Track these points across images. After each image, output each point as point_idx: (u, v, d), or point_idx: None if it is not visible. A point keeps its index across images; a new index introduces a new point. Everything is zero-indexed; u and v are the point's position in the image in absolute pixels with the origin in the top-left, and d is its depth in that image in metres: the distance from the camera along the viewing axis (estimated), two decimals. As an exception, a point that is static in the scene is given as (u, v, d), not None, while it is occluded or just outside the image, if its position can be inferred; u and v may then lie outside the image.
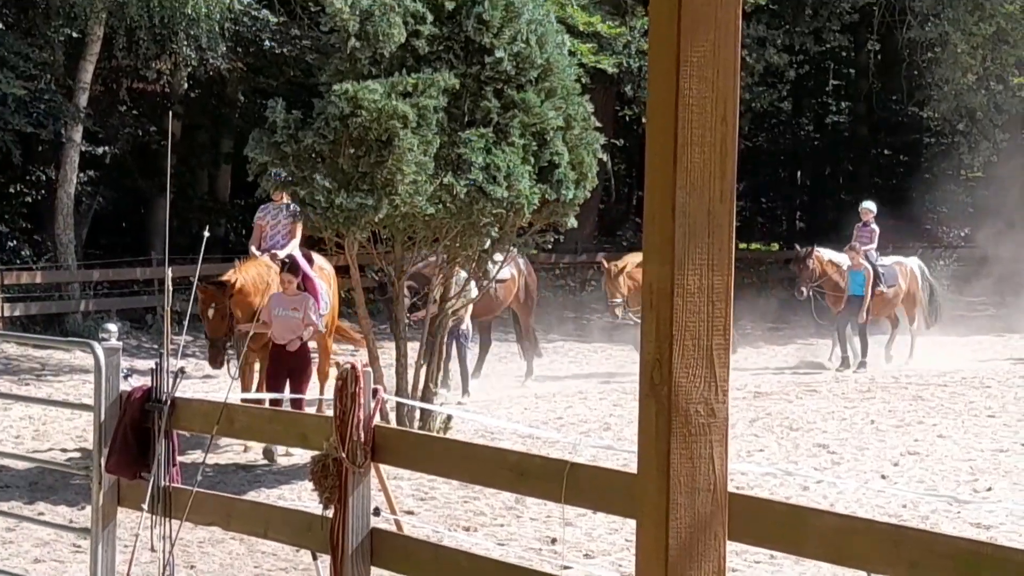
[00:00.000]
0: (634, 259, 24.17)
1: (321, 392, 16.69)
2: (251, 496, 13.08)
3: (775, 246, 43.50)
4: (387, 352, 17.36)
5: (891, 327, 25.52)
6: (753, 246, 41.49)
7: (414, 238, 15.53)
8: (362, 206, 14.03)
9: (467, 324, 19.92)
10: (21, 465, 14.53)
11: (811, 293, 24.70)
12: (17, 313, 26.58)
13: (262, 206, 17.37)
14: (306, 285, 15.82)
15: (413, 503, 13.25)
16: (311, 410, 15.28)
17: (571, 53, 17.22)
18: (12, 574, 10.47)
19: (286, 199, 16.53)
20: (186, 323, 14.05)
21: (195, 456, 13.80)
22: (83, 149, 28.74)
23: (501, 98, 14.67)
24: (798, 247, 26.18)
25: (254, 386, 16.16)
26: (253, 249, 16.83)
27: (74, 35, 28.45)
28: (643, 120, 32.48)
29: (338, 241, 15.22)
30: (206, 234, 9.95)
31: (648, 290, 3.18)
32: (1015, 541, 11.48)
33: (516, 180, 14.35)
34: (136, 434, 8.16)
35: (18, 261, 28.28)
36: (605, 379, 22.99)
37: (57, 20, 27.62)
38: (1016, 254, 32.29)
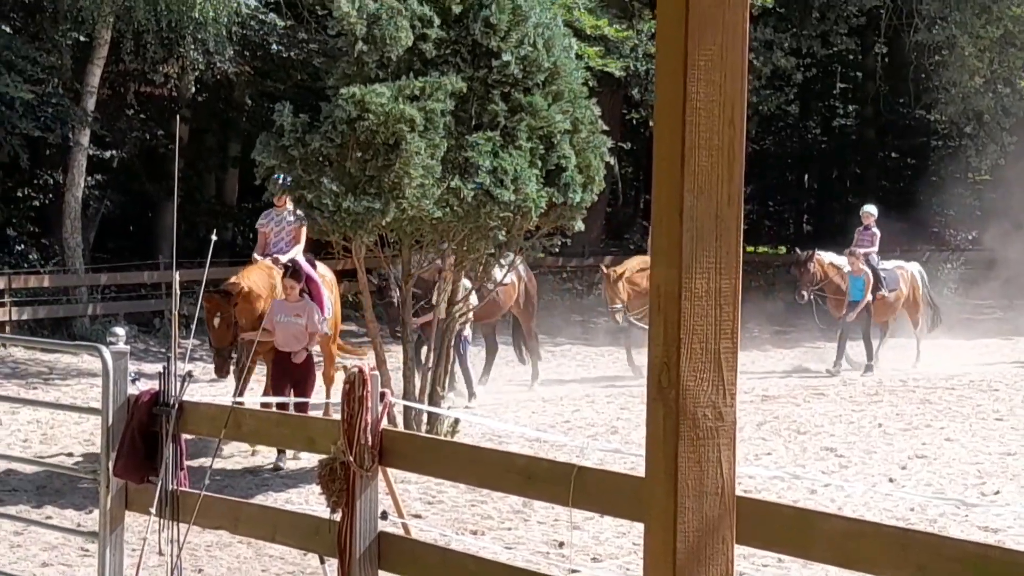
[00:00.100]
0: (633, 264, 24.18)
1: (327, 396, 16.68)
2: (259, 500, 13.09)
3: (782, 249, 43.47)
4: (394, 356, 17.37)
5: (882, 333, 25.46)
6: (760, 249, 41.46)
7: (421, 242, 15.54)
8: (369, 210, 14.04)
9: (467, 329, 19.92)
10: (29, 469, 14.54)
11: (812, 297, 24.68)
12: (25, 317, 26.59)
13: (264, 212, 17.36)
14: (310, 289, 15.81)
15: (421, 507, 13.25)
16: (317, 414, 15.27)
17: (578, 56, 17.25)
18: (20, 578, 10.48)
19: (289, 205, 16.54)
20: (194, 327, 14.09)
21: (202, 460, 13.82)
22: (91, 153, 28.77)
23: (508, 101, 14.68)
24: (798, 251, 26.18)
25: (250, 389, 16.17)
26: (256, 257, 16.81)
27: (81, 39, 28.49)
28: (650, 123, 32.42)
29: (345, 245, 15.22)
30: (214, 238, 9.96)
31: (656, 293, 3.18)
32: (1023, 545, 11.47)
33: (523, 183, 14.36)
34: (144, 438, 8.17)
35: (26, 265, 28.30)
36: (610, 383, 22.97)
37: (64, 24, 27.65)
38: (1024, 257, 32.30)
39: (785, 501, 11.68)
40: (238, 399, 14.13)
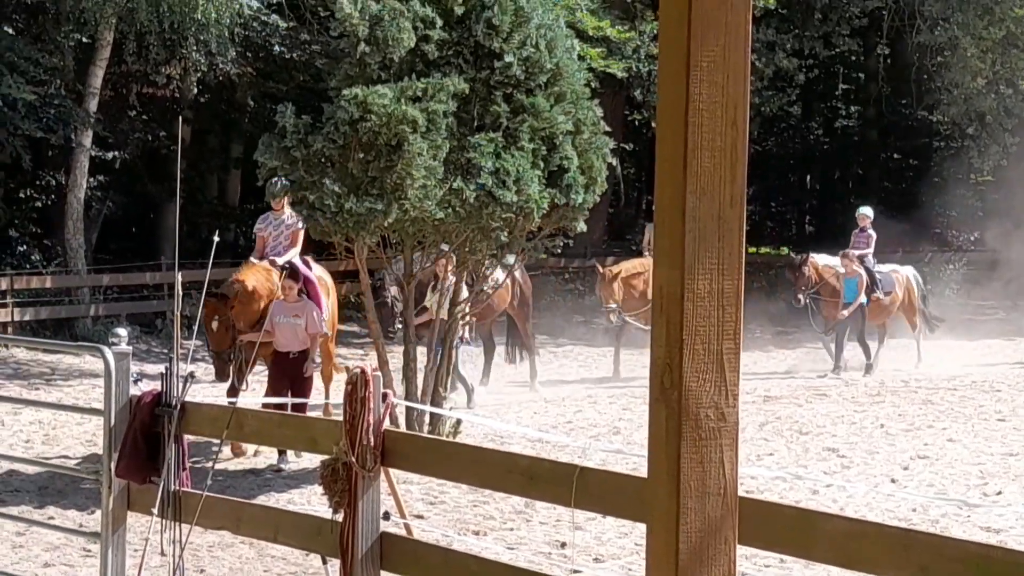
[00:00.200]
0: (628, 265, 24.16)
1: (326, 396, 16.67)
2: (261, 500, 13.10)
3: (785, 250, 43.42)
4: (396, 356, 17.37)
5: (880, 335, 25.45)
6: (763, 250, 41.42)
7: (423, 243, 15.55)
8: (372, 211, 14.04)
9: (463, 331, 19.91)
10: (31, 469, 14.55)
11: (808, 301, 24.67)
12: (27, 317, 26.61)
13: (261, 216, 17.33)
14: (308, 289, 15.80)
15: (423, 507, 13.25)
16: (316, 414, 15.27)
17: (580, 57, 17.25)
18: (22, 578, 10.49)
19: (287, 209, 16.54)
20: (196, 328, 14.11)
21: (204, 460, 13.82)
22: (93, 154, 28.78)
23: (510, 103, 14.68)
24: (792, 255, 26.16)
25: (252, 390, 16.17)
26: (254, 260, 16.79)
27: (84, 40, 28.51)
28: (653, 124, 32.43)
29: (348, 246, 15.22)
30: (216, 239, 9.97)
31: (658, 294, 3.18)
32: (1025, 545, 11.46)
33: (525, 184, 14.36)
34: (146, 438, 8.17)
35: (28, 266, 28.32)
36: (612, 383, 22.96)
37: (67, 25, 27.66)
38: (1026, 257, 32.30)
39: (787, 501, 11.68)
40: (232, 400, 14.13)
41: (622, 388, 22.08)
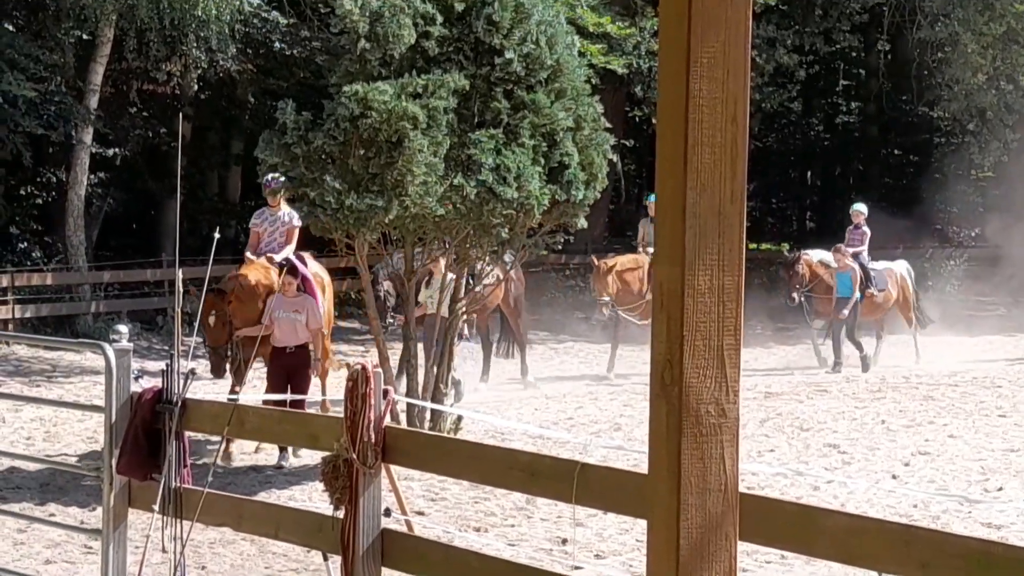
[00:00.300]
0: (624, 259, 24.14)
1: (322, 392, 16.66)
2: (262, 497, 13.09)
3: (785, 246, 43.42)
4: (394, 353, 17.38)
5: (877, 332, 25.46)
6: (763, 246, 41.43)
7: (424, 239, 15.55)
8: (372, 207, 14.04)
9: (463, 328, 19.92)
10: (32, 466, 14.56)
11: (802, 298, 24.65)
12: (28, 315, 26.63)
13: (258, 211, 17.31)
14: (305, 287, 15.81)
15: (424, 504, 13.26)
16: (314, 410, 15.27)
17: (581, 54, 17.22)
18: (24, 575, 10.48)
19: (283, 206, 16.53)
20: (197, 325, 14.12)
21: (206, 457, 13.83)
22: (93, 151, 28.79)
23: (511, 99, 14.68)
24: (786, 253, 26.13)
25: (253, 386, 16.15)
26: (249, 255, 16.77)
27: (84, 37, 28.51)
28: (653, 121, 32.46)
29: (348, 242, 15.22)
30: (216, 235, 9.97)
31: (659, 290, 3.18)
32: (1026, 541, 11.46)
33: (526, 181, 14.36)
34: (147, 435, 8.17)
35: (29, 263, 28.33)
36: (605, 380, 22.97)
37: (67, 22, 27.66)
38: (1027, 253, 32.28)
39: (788, 498, 11.68)
40: (232, 396, 14.13)
41: (619, 385, 22.07)
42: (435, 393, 15.76)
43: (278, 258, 16.33)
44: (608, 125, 15.77)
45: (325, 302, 16.58)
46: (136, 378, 8.54)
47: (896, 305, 25.30)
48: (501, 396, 20.69)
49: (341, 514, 7.33)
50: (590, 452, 14.70)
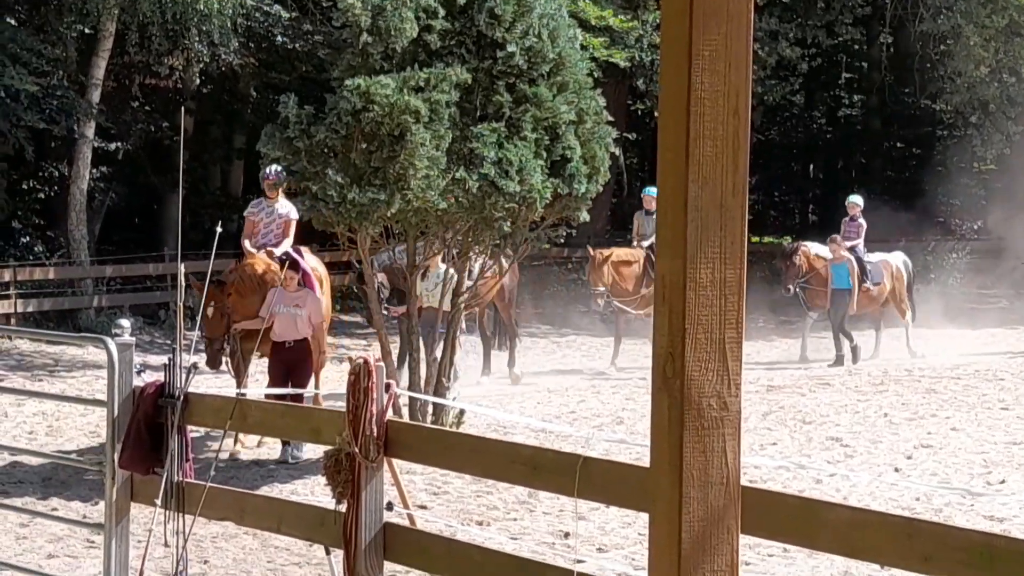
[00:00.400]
0: (620, 251, 24.12)
1: (316, 386, 16.61)
2: (264, 491, 13.11)
3: (788, 239, 43.43)
4: (394, 346, 17.39)
5: (876, 327, 25.46)
6: (766, 239, 41.44)
7: (426, 232, 15.55)
8: (374, 201, 14.04)
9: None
10: (35, 461, 14.57)
11: (797, 289, 24.65)
12: (30, 309, 26.65)
13: (254, 201, 17.28)
14: (304, 281, 15.79)
15: (426, 497, 13.26)
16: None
17: (583, 47, 17.23)
18: (26, 569, 10.48)
19: (281, 198, 16.52)
20: (199, 319, 14.11)
21: (209, 452, 13.83)
22: (96, 145, 28.79)
23: (513, 92, 14.67)
24: (785, 244, 26.12)
25: (255, 380, 16.13)
26: (247, 244, 16.69)
27: (86, 31, 28.50)
28: (655, 114, 32.46)
29: (350, 236, 15.22)
30: (219, 230, 9.97)
31: (661, 283, 3.18)
32: (1029, 534, 11.46)
33: (528, 174, 14.36)
34: (149, 429, 8.17)
35: (31, 257, 28.34)
36: (607, 375, 22.97)
37: (70, 16, 27.66)
38: (1029, 246, 32.29)
39: (790, 491, 11.69)
40: (241, 393, 14.11)
41: (627, 379, 22.08)
42: (437, 387, 15.76)
43: (278, 252, 16.31)
44: (610, 118, 15.77)
45: (323, 296, 16.56)
46: (138, 372, 8.54)
47: (889, 296, 25.26)
48: (503, 390, 20.69)
49: (343, 508, 7.33)
50: (592, 446, 14.72)
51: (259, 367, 17.63)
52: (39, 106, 26.70)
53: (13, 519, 12.08)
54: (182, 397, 8.12)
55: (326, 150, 14.33)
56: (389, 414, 7.38)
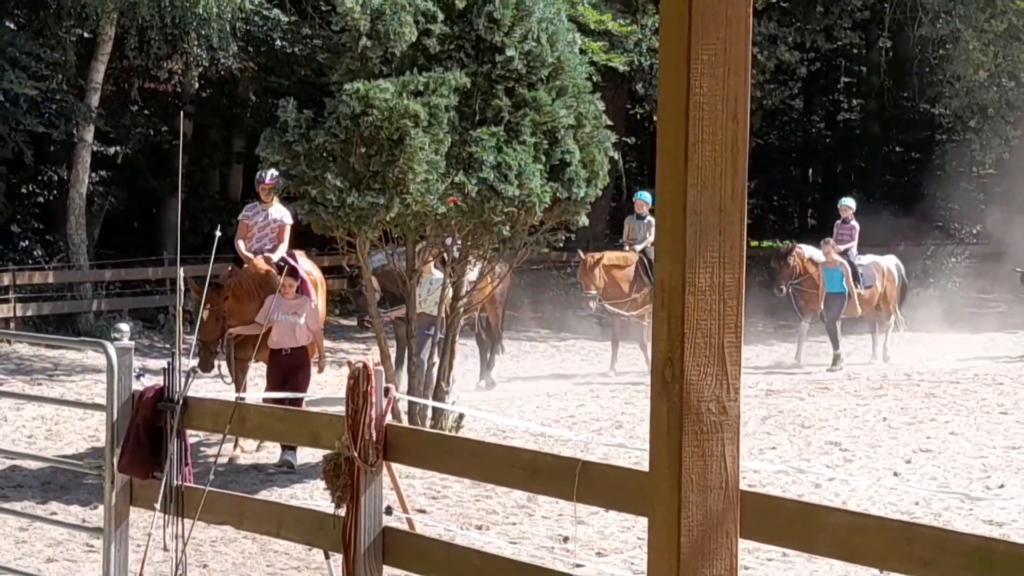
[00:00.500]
0: (611, 255, 24.10)
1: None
2: (263, 495, 13.10)
3: (787, 244, 43.43)
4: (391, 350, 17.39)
5: (872, 329, 25.45)
6: (765, 244, 41.43)
7: (425, 237, 15.55)
8: (374, 205, 14.04)
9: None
10: (34, 465, 14.56)
11: (790, 291, 24.63)
12: (29, 313, 26.64)
13: (249, 205, 17.25)
14: (301, 287, 15.77)
15: (425, 502, 13.26)
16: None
17: (582, 51, 17.23)
18: (26, 574, 10.48)
19: (275, 203, 16.48)
20: (198, 323, 14.10)
21: (208, 456, 13.83)
22: (95, 149, 28.79)
23: (512, 97, 14.68)
24: (779, 246, 26.10)
25: (255, 384, 16.10)
26: (242, 246, 16.63)
27: (85, 35, 28.51)
28: (654, 118, 32.42)
29: (349, 240, 15.22)
30: (218, 234, 9.96)
31: (660, 288, 3.18)
32: (1028, 538, 11.46)
33: (527, 178, 14.36)
34: (148, 433, 8.17)
35: (30, 261, 28.33)
36: (606, 378, 22.97)
37: (69, 20, 27.67)
38: (1029, 250, 32.26)
39: (789, 495, 11.68)
40: (240, 397, 14.09)
41: (624, 382, 22.07)
42: (436, 391, 15.76)
43: (276, 257, 16.29)
44: (609, 122, 15.77)
45: (318, 300, 16.55)
46: (138, 376, 8.54)
47: (880, 300, 25.21)
48: (502, 394, 20.69)
49: (342, 512, 7.33)
50: (591, 450, 14.73)
51: (258, 371, 17.63)
52: (38, 110, 26.70)
53: (12, 523, 12.07)
54: (181, 401, 8.12)
55: (325, 154, 14.33)
56: (388, 418, 7.38)
